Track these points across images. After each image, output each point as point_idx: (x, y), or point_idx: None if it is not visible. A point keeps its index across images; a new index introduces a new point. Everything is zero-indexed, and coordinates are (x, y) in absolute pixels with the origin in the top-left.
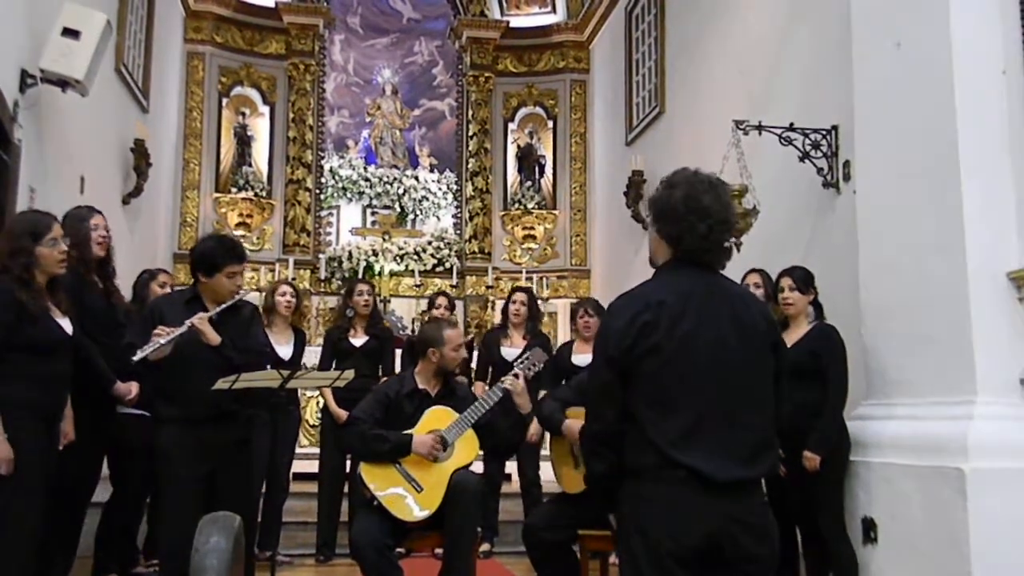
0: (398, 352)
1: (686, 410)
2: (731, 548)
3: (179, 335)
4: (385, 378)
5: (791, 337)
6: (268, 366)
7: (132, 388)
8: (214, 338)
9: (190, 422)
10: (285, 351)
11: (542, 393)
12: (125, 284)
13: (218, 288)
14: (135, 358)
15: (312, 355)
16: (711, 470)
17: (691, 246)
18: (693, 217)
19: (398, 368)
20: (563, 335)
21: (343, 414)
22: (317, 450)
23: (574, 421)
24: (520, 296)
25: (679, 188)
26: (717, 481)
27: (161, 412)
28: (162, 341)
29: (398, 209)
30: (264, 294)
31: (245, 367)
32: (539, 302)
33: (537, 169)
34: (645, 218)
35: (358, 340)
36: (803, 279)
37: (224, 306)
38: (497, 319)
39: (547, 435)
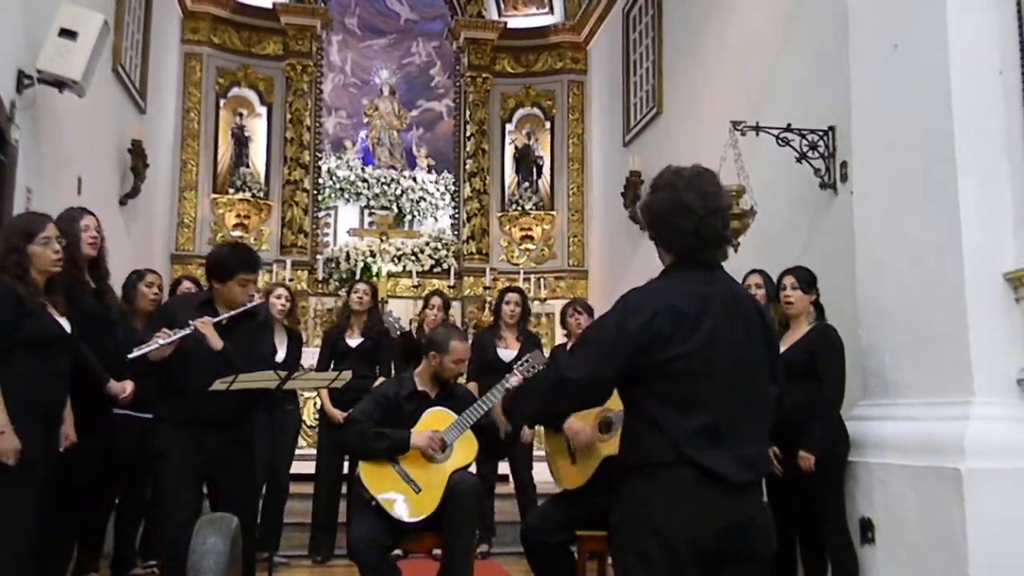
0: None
1: (703, 410)
2: (738, 548)
3: (181, 337)
4: (382, 378)
5: (791, 337)
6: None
7: (126, 387)
8: (216, 342)
9: (189, 424)
10: (279, 353)
11: None
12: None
13: (230, 295)
14: (131, 356)
15: (309, 356)
16: (726, 471)
17: (685, 245)
18: (678, 218)
19: (394, 368)
20: (560, 336)
21: (339, 415)
22: (314, 451)
23: (573, 421)
24: (514, 296)
25: (663, 191)
26: (732, 483)
27: (162, 413)
28: (161, 342)
29: (396, 210)
30: (259, 296)
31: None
32: (536, 303)
33: (535, 170)
34: (639, 222)
35: (354, 341)
36: (806, 279)
37: (234, 312)
38: None
39: (541, 432)
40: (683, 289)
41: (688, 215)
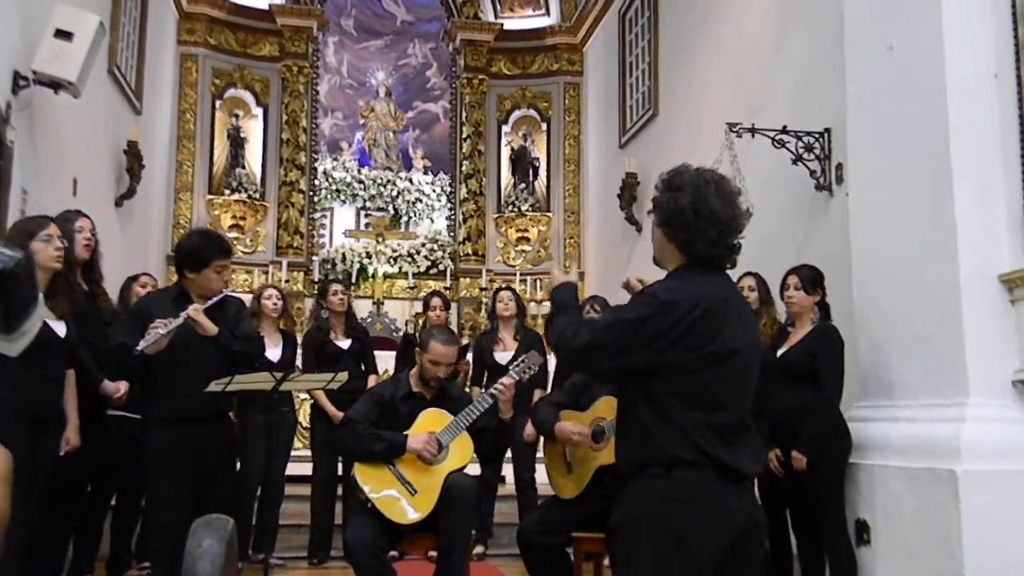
0: (378, 353)
1: (725, 408)
2: (745, 543)
3: (176, 326)
4: (373, 377)
5: (794, 337)
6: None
7: (120, 387)
8: (211, 328)
9: (181, 422)
10: (274, 353)
11: (537, 393)
12: (117, 286)
13: (206, 283)
14: (137, 349)
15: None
16: (742, 467)
17: (703, 251)
18: (703, 223)
19: (380, 367)
20: None
21: (340, 414)
22: (310, 453)
23: (566, 423)
24: (506, 294)
25: (686, 192)
26: (744, 477)
27: (152, 412)
28: (161, 331)
29: (392, 211)
30: (251, 299)
31: (244, 355)
32: (534, 303)
33: (531, 171)
34: (647, 216)
35: (343, 343)
36: (809, 279)
37: (214, 300)
38: None
39: (542, 439)
40: (707, 288)
41: (714, 221)
